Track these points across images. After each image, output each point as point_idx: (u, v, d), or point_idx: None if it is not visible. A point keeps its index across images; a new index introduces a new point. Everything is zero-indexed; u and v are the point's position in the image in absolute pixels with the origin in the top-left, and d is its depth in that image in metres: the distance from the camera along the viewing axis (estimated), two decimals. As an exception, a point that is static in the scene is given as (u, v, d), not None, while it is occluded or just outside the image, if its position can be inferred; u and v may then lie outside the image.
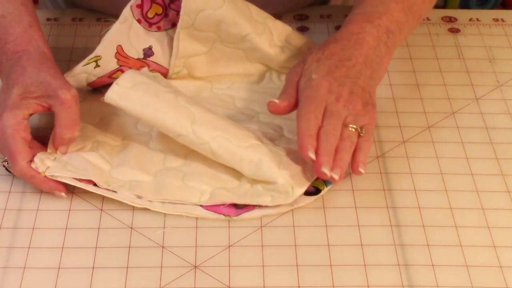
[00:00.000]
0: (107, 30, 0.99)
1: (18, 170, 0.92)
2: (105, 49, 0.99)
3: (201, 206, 0.92)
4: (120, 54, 0.99)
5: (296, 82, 0.96)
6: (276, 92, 0.99)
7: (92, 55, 0.99)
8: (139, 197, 0.92)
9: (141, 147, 0.96)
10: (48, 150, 0.94)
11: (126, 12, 0.99)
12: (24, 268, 0.86)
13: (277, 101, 0.95)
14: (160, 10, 1.01)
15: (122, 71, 1.01)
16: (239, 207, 0.91)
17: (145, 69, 1.00)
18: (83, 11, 1.21)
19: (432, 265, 0.87)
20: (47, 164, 0.92)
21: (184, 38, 1.01)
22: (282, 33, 1.05)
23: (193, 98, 0.99)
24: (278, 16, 1.19)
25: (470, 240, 0.89)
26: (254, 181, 0.93)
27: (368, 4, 1.01)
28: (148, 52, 1.02)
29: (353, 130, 0.92)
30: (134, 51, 1.01)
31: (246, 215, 0.91)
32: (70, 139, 0.94)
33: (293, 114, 0.95)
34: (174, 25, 1.02)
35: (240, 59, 1.05)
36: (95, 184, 0.92)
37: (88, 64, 0.99)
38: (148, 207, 0.91)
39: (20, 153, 0.91)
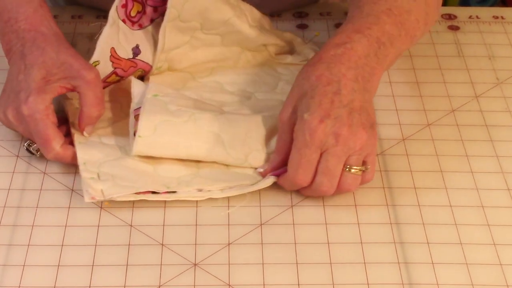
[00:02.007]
0: (100, 34, 0.98)
1: (54, 155, 0.93)
2: (102, 54, 0.98)
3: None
4: (113, 56, 0.99)
5: (288, 127, 0.91)
6: (255, 70, 1.06)
7: (91, 61, 0.98)
8: (200, 190, 0.93)
9: None
10: (74, 134, 0.95)
11: (113, 13, 0.98)
12: (24, 265, 0.86)
13: (262, 170, 0.94)
14: (140, 8, 1.01)
15: (116, 74, 1.01)
16: None
17: (142, 88, 1.00)
18: (83, 8, 1.21)
19: (432, 263, 0.87)
20: (98, 187, 0.91)
21: (170, 31, 1.01)
22: (254, 15, 1.06)
23: (201, 102, 1.00)
24: (277, 13, 1.20)
25: (470, 238, 0.89)
26: None
27: (356, 16, 0.96)
28: (136, 51, 1.01)
29: (357, 171, 0.90)
30: (125, 52, 1.00)
31: None
32: (98, 117, 0.95)
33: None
34: (151, 21, 1.02)
35: (216, 45, 1.06)
36: (152, 192, 0.92)
37: None
38: (212, 197, 0.92)
39: (54, 138, 0.92)
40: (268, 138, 0.96)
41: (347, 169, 0.89)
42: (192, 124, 0.94)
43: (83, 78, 0.93)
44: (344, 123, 0.88)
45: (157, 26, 1.02)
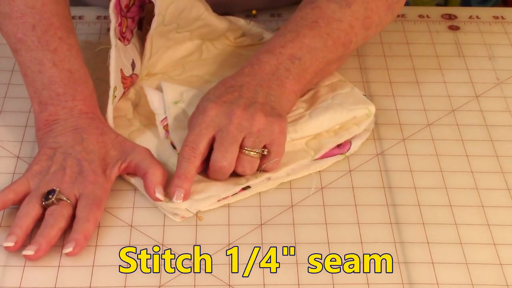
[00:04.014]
0: (109, 59, 0.98)
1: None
2: (116, 79, 0.98)
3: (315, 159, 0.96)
4: (123, 77, 0.99)
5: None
6: (224, 57, 1.09)
7: (111, 90, 0.97)
8: (268, 178, 0.94)
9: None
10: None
11: (112, 34, 0.97)
12: (24, 266, 0.86)
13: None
14: (127, 23, 1.01)
15: (124, 93, 1.01)
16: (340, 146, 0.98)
17: (157, 95, 1.01)
18: (83, 8, 1.21)
19: (432, 262, 0.87)
20: (182, 207, 0.90)
21: (155, 38, 1.01)
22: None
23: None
24: (277, 13, 1.19)
25: (470, 238, 0.89)
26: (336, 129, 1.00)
27: (277, 34, 0.99)
28: (133, 66, 1.01)
29: (253, 154, 0.91)
30: (127, 70, 1.00)
31: (353, 147, 0.98)
32: (164, 177, 0.92)
33: None
34: (132, 32, 1.01)
35: (184, 42, 1.07)
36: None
37: (113, 99, 0.98)
38: (281, 182, 0.94)
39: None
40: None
41: (244, 151, 0.91)
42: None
43: (136, 150, 0.93)
44: (239, 106, 0.91)
45: (135, 36, 1.02)
